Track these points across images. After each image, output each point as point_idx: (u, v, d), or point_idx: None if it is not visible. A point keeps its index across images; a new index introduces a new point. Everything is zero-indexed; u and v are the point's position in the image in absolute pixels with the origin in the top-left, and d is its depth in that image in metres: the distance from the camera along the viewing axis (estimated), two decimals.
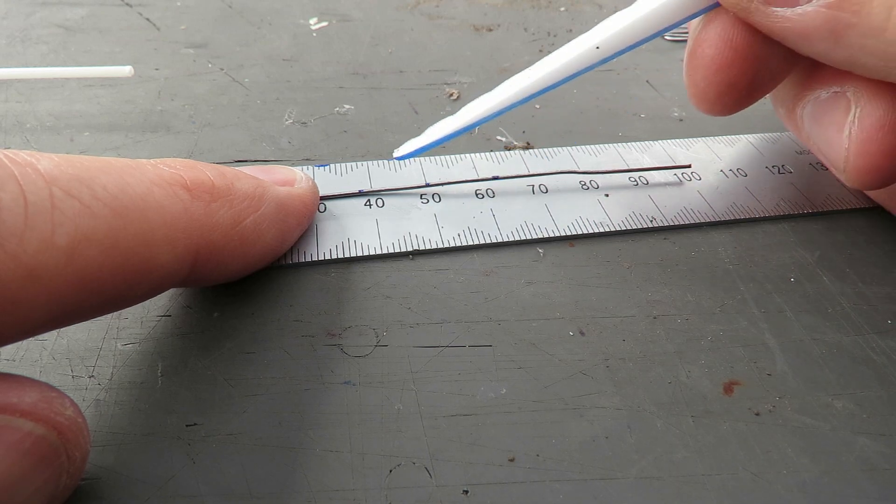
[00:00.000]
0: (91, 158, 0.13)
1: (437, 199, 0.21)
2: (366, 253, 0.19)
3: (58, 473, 0.12)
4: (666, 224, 0.20)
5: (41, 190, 0.11)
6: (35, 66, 0.29)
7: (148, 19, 0.33)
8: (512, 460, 0.14)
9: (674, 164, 0.23)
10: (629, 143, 0.24)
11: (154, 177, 0.14)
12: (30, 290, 0.11)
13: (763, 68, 0.17)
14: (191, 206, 0.14)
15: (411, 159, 0.23)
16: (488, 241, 0.19)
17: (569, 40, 0.18)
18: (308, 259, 0.19)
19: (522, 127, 0.26)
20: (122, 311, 0.17)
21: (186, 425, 0.15)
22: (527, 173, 0.22)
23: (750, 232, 0.20)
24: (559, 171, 0.22)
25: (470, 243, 0.19)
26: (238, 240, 0.15)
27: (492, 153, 0.23)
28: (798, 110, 0.18)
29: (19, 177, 0.11)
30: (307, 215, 0.19)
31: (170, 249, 0.13)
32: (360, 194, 0.21)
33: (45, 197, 0.11)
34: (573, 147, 0.24)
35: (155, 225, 0.13)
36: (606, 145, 0.24)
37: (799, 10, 0.14)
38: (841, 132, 0.16)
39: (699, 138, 0.25)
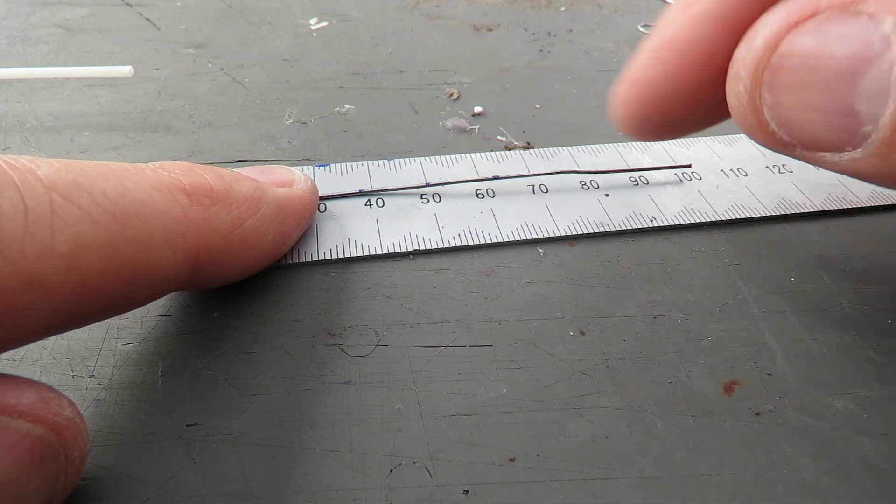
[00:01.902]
0: (91, 163, 0.13)
1: (438, 199, 0.21)
2: (366, 253, 0.19)
3: (56, 473, 0.12)
4: (666, 224, 0.20)
5: (41, 196, 0.11)
6: (35, 66, 0.29)
7: (148, 19, 0.33)
8: (512, 460, 0.14)
9: (674, 164, 0.23)
10: (629, 143, 0.24)
11: (153, 181, 0.14)
12: (30, 296, 0.11)
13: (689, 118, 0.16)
14: (190, 210, 0.14)
15: (412, 159, 0.23)
16: (488, 241, 0.19)
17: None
18: (308, 259, 0.19)
19: (523, 127, 0.26)
20: None
21: (186, 425, 0.15)
22: (527, 173, 0.22)
23: (750, 232, 0.20)
24: (559, 171, 0.22)
25: (470, 243, 0.19)
26: (237, 243, 0.15)
27: (492, 153, 0.23)
28: None
29: (19, 183, 0.11)
30: (306, 216, 0.19)
31: (169, 254, 0.13)
32: (361, 194, 0.21)
33: (45, 203, 0.11)
34: (573, 147, 0.24)
35: (155, 230, 0.13)
36: (606, 145, 0.24)
37: (847, 156, 0.13)
38: None
39: (699, 138, 0.25)
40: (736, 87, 0.13)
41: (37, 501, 0.11)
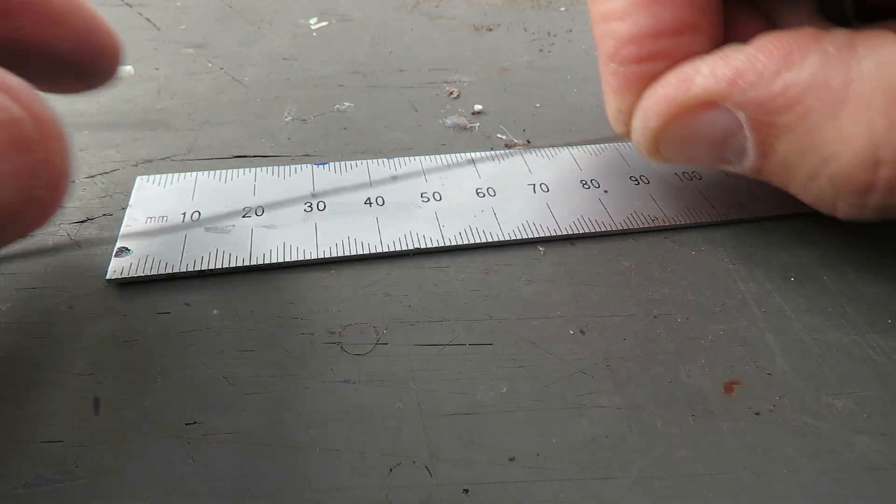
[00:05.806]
0: None
1: (438, 198, 0.21)
2: (366, 251, 0.19)
3: (32, 168, 0.11)
4: (667, 223, 0.20)
5: None
6: None
7: (148, 19, 0.33)
8: (512, 459, 0.14)
9: None
10: (629, 143, 0.24)
11: None
12: None
13: None
14: None
15: (412, 158, 0.23)
16: (489, 240, 0.19)
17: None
18: (308, 257, 0.19)
19: (522, 125, 0.26)
20: (122, 307, 0.17)
21: (186, 424, 0.14)
22: (528, 172, 0.22)
23: (750, 231, 0.20)
24: (560, 169, 0.22)
25: (471, 242, 0.19)
26: None
27: (492, 152, 0.23)
28: None
29: None
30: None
31: None
32: (360, 191, 0.21)
33: None
34: (573, 147, 0.24)
35: None
36: (606, 145, 0.24)
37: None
38: None
39: None
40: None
41: (7, 190, 0.10)
